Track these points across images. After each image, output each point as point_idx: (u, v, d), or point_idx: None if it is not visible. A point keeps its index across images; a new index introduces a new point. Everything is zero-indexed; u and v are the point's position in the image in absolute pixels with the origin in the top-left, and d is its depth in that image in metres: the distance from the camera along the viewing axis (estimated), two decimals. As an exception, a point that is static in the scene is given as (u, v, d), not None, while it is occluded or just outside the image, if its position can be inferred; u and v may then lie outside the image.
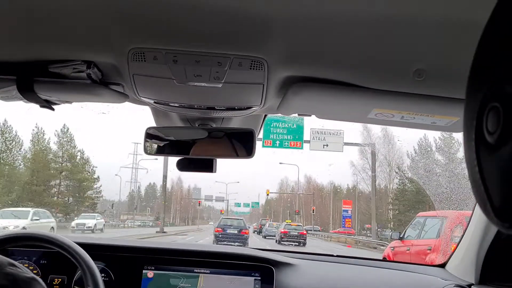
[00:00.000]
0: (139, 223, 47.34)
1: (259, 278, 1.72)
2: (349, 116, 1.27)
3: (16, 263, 0.53)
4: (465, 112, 0.43)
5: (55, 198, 36.80)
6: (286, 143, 24.89)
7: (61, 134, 38.67)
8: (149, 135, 1.39)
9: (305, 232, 26.00)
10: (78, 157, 41.00)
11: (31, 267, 1.70)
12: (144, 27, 0.92)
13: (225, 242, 18.80)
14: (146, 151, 1.39)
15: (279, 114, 1.33)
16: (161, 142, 1.40)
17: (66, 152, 38.82)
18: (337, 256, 2.18)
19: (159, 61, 0.97)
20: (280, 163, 48.81)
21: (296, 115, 1.33)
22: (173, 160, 1.44)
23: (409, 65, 0.99)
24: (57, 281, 1.70)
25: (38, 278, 0.53)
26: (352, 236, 34.06)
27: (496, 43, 0.39)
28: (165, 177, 29.35)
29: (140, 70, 1.02)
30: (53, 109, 1.22)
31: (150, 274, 1.73)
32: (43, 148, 37.44)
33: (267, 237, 29.16)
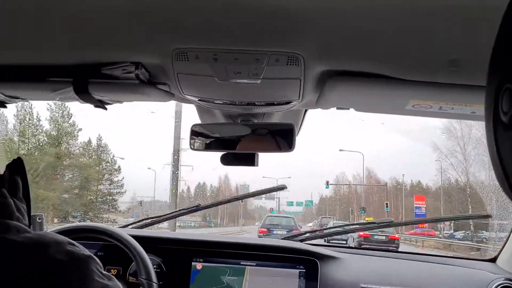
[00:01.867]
0: (180, 224, 41.13)
1: (304, 270, 1.75)
2: (387, 108, 1.29)
3: (75, 242, 0.59)
4: (486, 95, 0.45)
5: (51, 191, 26.50)
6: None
7: (55, 108, 28.87)
8: (194, 132, 1.46)
9: (397, 236, 18.66)
10: (93, 143, 32.55)
11: None
12: (186, 28, 0.98)
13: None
14: (191, 147, 1.46)
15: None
16: (205, 138, 1.46)
17: (62, 131, 29.80)
18: (382, 250, 2.17)
19: (200, 60, 1.03)
20: (340, 150, 42.03)
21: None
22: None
23: (444, 56, 0.99)
24: (113, 272, 1.81)
25: (94, 256, 0.59)
26: (436, 239, 26.80)
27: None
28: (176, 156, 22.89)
29: (183, 69, 1.09)
30: (105, 109, 1.32)
31: (199, 266, 1.80)
32: (31, 125, 28.11)
33: (332, 242, 22.17)
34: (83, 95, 1.20)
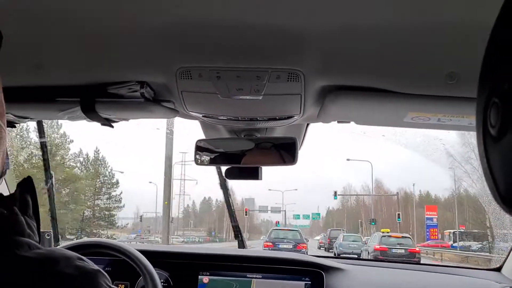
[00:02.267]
0: (183, 240, 40.77)
1: (309, 282, 1.76)
2: (387, 121, 1.31)
3: (84, 257, 0.61)
4: (476, 109, 0.48)
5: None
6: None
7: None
8: (199, 147, 1.50)
9: (417, 249, 16.81)
10: (90, 156, 31.71)
11: None
12: (190, 48, 1.02)
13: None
14: (196, 162, 1.49)
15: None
16: (210, 153, 1.49)
17: (51, 143, 27.25)
18: (389, 261, 2.17)
19: (204, 78, 1.07)
20: (348, 159, 40.70)
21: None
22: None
23: (441, 69, 1.02)
24: (121, 287, 1.83)
25: (102, 270, 0.61)
26: (452, 251, 24.12)
27: (498, 48, 0.44)
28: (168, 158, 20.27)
29: (187, 87, 1.12)
30: (112, 127, 1.35)
31: (205, 279, 1.82)
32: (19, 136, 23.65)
33: (342, 255, 16.68)
34: (90, 114, 1.24)
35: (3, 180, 0.69)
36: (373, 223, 36.93)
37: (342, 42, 0.97)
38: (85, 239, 1.72)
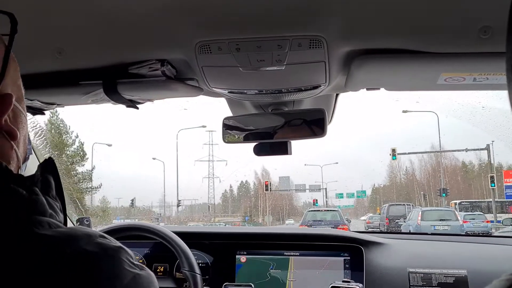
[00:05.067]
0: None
1: (349, 258, 1.73)
2: (418, 85, 1.25)
3: (105, 235, 0.61)
4: (506, 56, 0.45)
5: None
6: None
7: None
8: (227, 125, 1.48)
9: None
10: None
11: (137, 257, 1.88)
12: (207, 20, 0.99)
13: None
14: (224, 140, 1.48)
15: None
16: (238, 130, 1.47)
17: None
18: (432, 234, 2.10)
19: (223, 51, 1.05)
20: (404, 111, 28.90)
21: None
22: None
23: (473, 23, 0.96)
24: (160, 269, 1.87)
25: (125, 247, 0.60)
26: None
27: None
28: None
29: (207, 61, 1.10)
30: (137, 108, 1.35)
31: (243, 259, 1.82)
32: None
33: None
34: (113, 95, 1.24)
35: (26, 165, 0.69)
36: (444, 195, 27.92)
37: (366, 2, 0.92)
38: (117, 222, 1.76)
